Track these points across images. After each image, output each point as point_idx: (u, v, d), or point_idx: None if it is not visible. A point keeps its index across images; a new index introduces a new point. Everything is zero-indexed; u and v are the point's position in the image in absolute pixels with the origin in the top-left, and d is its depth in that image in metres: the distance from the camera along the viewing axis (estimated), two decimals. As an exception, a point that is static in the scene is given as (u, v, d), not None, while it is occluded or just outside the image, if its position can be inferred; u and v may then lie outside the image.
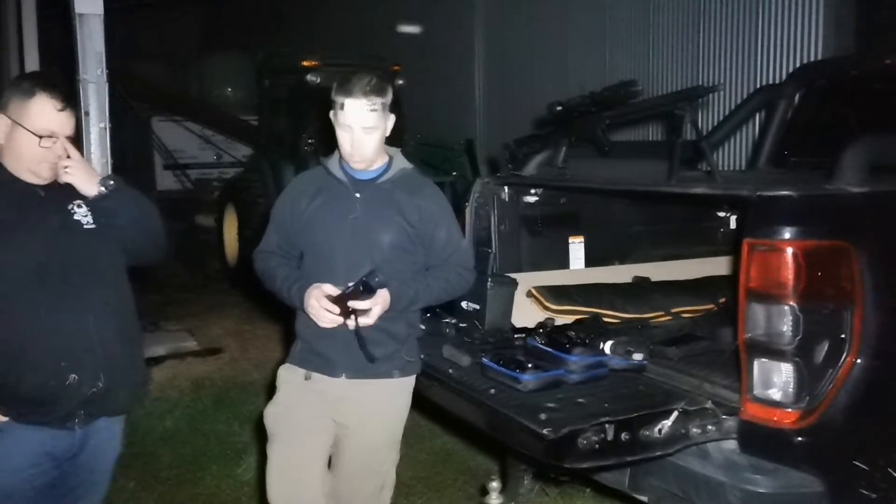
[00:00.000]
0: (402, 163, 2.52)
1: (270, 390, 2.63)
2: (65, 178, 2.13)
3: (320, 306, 2.32)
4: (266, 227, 2.61)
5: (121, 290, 2.27)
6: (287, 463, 2.48)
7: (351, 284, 2.31)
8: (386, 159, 2.51)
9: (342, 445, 2.52)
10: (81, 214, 2.17)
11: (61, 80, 2.21)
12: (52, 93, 2.08)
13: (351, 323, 2.33)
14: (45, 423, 2.09)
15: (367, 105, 2.32)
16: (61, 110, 2.08)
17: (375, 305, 2.33)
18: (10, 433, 2.07)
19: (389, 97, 2.40)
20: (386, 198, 2.45)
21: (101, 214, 2.19)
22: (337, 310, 2.32)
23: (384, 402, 2.50)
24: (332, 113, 2.40)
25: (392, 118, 2.45)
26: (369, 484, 2.56)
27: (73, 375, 2.08)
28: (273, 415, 2.51)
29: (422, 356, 2.60)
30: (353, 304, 2.31)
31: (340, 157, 2.47)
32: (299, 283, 2.42)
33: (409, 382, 2.54)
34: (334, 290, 2.34)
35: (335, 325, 2.35)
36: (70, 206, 2.17)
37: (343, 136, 2.39)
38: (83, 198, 2.18)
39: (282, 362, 2.61)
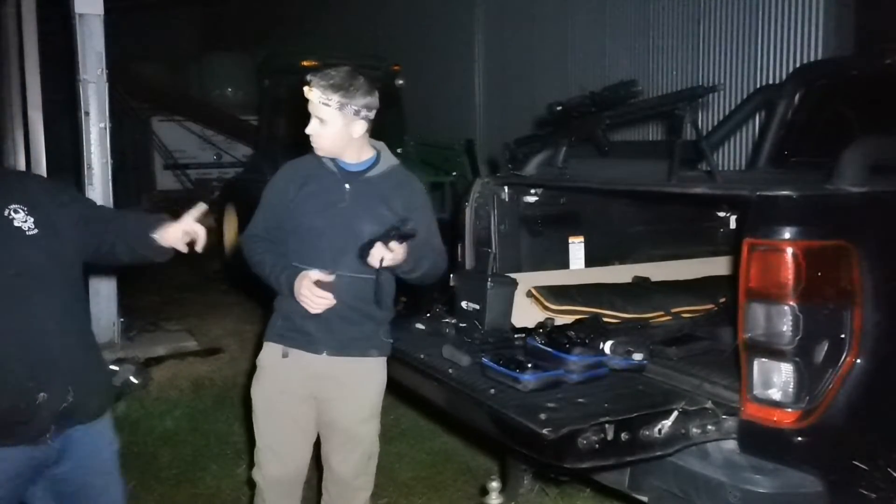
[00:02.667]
0: (389, 158, 2.64)
1: (254, 367, 2.71)
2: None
3: (312, 294, 2.42)
4: (257, 210, 2.67)
5: (73, 294, 2.17)
6: (274, 448, 2.65)
7: (383, 233, 2.39)
8: (372, 153, 2.61)
9: (326, 419, 2.65)
10: (21, 220, 2.03)
11: None
12: None
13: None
14: (16, 443, 2.01)
15: (321, 98, 2.43)
16: None
17: (400, 253, 2.41)
18: None
19: (359, 101, 2.45)
20: (373, 191, 2.56)
21: (149, 249, 2.22)
22: (329, 295, 2.42)
23: (363, 379, 2.64)
24: None
25: (360, 124, 2.49)
26: (356, 454, 2.70)
27: (43, 394, 1.99)
28: (259, 395, 2.66)
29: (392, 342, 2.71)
30: (388, 247, 2.37)
31: None
32: (287, 271, 2.50)
33: (384, 361, 2.68)
34: (323, 276, 2.43)
35: (325, 309, 2.45)
36: (6, 213, 2.02)
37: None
38: (18, 199, 2.06)
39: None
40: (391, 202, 2.56)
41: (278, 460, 2.67)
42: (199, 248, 2.25)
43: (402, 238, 2.37)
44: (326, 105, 2.43)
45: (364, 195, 2.55)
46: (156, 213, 2.35)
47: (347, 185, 2.54)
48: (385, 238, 2.36)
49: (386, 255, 2.37)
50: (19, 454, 2.03)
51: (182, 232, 2.20)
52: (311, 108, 2.47)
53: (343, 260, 2.49)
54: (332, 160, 2.57)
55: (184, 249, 2.24)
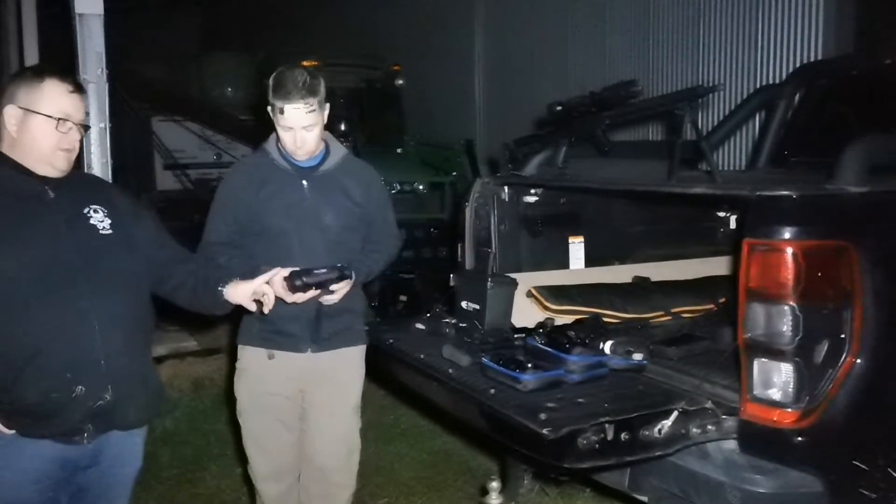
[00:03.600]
0: (339, 149, 2.69)
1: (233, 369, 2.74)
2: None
3: (286, 294, 2.41)
4: (211, 215, 2.65)
5: (134, 300, 2.17)
6: (263, 442, 2.69)
7: (324, 270, 2.41)
8: (321, 146, 2.63)
9: (310, 415, 2.70)
10: (98, 219, 2.10)
11: (65, 69, 2.21)
12: (62, 76, 2.07)
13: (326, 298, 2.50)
14: (51, 436, 2.01)
15: (305, 108, 2.43)
16: (72, 92, 2.06)
17: (345, 288, 2.50)
18: (18, 446, 2.00)
19: (323, 91, 2.49)
20: (331, 183, 2.61)
21: (213, 300, 2.27)
22: (303, 292, 2.41)
23: (345, 369, 2.73)
24: (270, 111, 2.48)
25: (327, 107, 2.54)
26: (340, 448, 2.75)
27: (80, 387, 1.99)
28: (244, 392, 2.69)
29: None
30: (328, 295, 2.47)
31: (279, 145, 2.58)
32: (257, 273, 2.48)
33: (364, 350, 2.78)
34: (285, 272, 2.40)
35: (305, 301, 2.45)
36: (86, 210, 2.10)
37: (285, 136, 2.51)
38: (101, 202, 2.13)
39: None
40: (349, 191, 2.63)
41: (269, 457, 2.71)
42: (266, 309, 2.29)
43: (341, 279, 2.45)
44: (312, 111, 2.45)
45: (323, 189, 2.59)
46: (227, 268, 2.43)
47: (305, 182, 2.58)
48: (324, 287, 2.42)
49: (330, 298, 2.48)
50: (50, 452, 2.02)
51: (252, 292, 2.26)
52: (294, 122, 2.45)
53: (315, 257, 2.51)
54: (285, 158, 2.58)
55: (252, 308, 2.29)
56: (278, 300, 2.43)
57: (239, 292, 2.27)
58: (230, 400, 4.81)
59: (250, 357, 2.66)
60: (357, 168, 2.72)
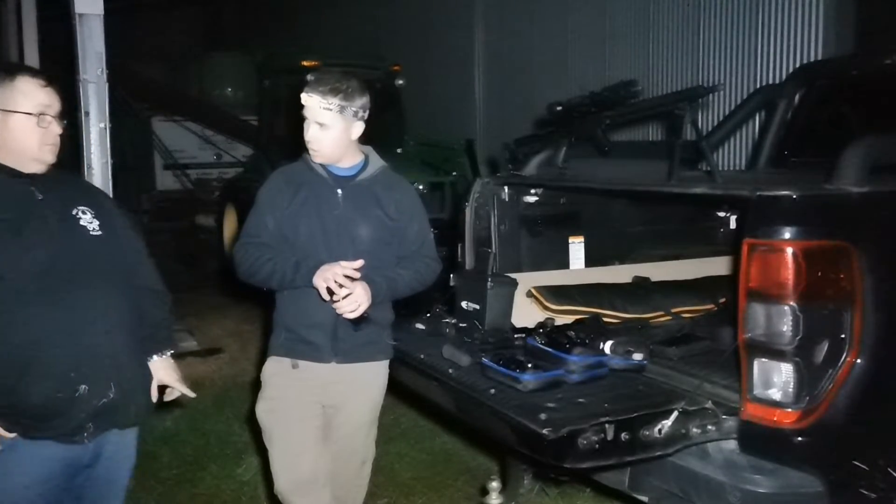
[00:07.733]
0: (377, 161, 2.66)
1: (258, 385, 2.70)
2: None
3: (335, 278, 2.38)
4: (251, 216, 2.65)
5: (130, 302, 2.18)
6: (288, 454, 2.61)
7: None
8: (360, 158, 2.63)
9: (329, 426, 2.66)
10: (87, 220, 2.12)
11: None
12: (33, 72, 2.08)
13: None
14: (54, 437, 2.01)
15: (321, 103, 2.44)
16: (46, 86, 2.06)
17: (362, 301, 2.42)
18: (19, 449, 1.99)
19: (357, 103, 2.48)
20: (366, 194, 2.58)
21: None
22: (348, 284, 2.40)
23: (369, 383, 2.67)
24: None
25: (359, 125, 2.52)
26: (354, 460, 2.73)
27: (84, 386, 2.00)
28: (266, 411, 2.63)
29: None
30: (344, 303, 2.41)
31: None
32: (307, 263, 2.45)
33: (387, 364, 2.70)
34: (350, 269, 2.40)
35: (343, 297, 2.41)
36: (74, 212, 2.11)
37: (305, 127, 2.52)
38: (86, 203, 2.14)
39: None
40: (383, 204, 2.59)
41: (295, 468, 2.62)
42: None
43: None
44: (328, 109, 2.44)
45: (357, 199, 2.57)
46: (164, 331, 2.35)
47: (340, 191, 2.56)
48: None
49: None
50: (52, 453, 2.02)
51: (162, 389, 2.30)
52: (309, 114, 2.47)
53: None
54: (323, 166, 2.57)
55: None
56: (300, 307, 2.47)
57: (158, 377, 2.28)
58: (230, 400, 4.85)
59: (273, 367, 2.62)
60: (393, 181, 2.67)
